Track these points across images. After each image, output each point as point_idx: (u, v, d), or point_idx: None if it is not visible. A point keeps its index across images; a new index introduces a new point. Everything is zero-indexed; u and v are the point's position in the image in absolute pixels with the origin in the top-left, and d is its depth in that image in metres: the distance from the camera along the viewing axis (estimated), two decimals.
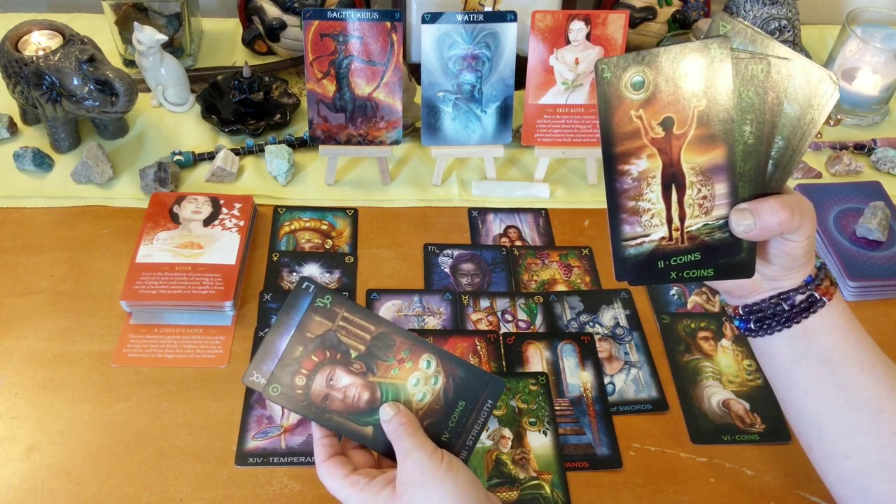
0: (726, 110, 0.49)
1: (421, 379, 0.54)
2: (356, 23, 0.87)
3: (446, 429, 0.54)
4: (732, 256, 0.54)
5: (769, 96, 0.50)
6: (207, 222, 0.88)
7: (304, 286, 0.53)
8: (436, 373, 0.54)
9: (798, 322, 0.56)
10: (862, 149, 1.05)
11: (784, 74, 0.50)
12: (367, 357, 0.54)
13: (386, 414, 0.53)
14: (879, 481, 0.54)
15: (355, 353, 0.53)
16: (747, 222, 0.52)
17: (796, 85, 0.51)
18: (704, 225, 0.52)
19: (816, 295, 0.56)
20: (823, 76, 0.51)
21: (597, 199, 0.97)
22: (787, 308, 0.56)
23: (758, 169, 0.52)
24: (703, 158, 0.50)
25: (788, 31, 1.12)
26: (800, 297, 0.56)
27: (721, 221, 0.53)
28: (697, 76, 0.49)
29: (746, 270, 0.55)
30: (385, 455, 0.55)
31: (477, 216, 0.95)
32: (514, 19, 0.89)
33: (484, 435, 0.72)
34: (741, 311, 0.59)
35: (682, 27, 1.13)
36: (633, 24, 1.13)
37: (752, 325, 0.58)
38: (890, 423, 0.54)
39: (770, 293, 0.57)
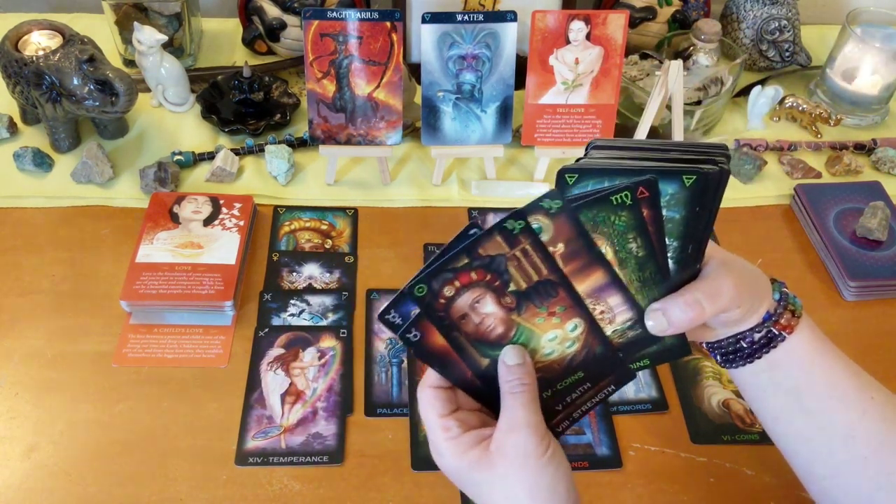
0: (586, 243, 0.49)
1: (559, 337, 0.52)
2: (356, 23, 0.87)
3: (551, 388, 0.53)
4: (659, 343, 0.54)
5: (644, 213, 0.49)
6: (207, 222, 0.88)
7: (470, 227, 0.50)
8: (576, 338, 0.52)
9: (760, 357, 0.55)
10: (862, 149, 1.05)
11: (651, 191, 0.49)
12: (522, 295, 0.50)
13: (511, 358, 0.50)
14: (858, 500, 0.54)
15: (513, 288, 0.50)
16: (661, 325, 0.52)
17: (670, 192, 0.50)
18: (614, 331, 0.53)
19: (775, 331, 0.55)
20: (700, 168, 0.49)
21: None
22: (745, 346, 0.55)
23: (658, 270, 0.51)
24: (584, 286, 0.51)
25: (788, 31, 1.12)
26: (758, 335, 0.55)
27: (628, 323, 0.53)
28: (544, 231, 0.49)
29: (681, 351, 0.55)
30: (484, 391, 0.53)
31: (477, 216, 0.95)
32: (514, 19, 0.89)
33: None
34: (706, 346, 0.59)
35: (682, 27, 1.13)
36: (633, 23, 1.13)
37: (719, 358, 0.58)
38: (863, 447, 0.53)
39: (727, 333, 0.56)
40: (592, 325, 0.52)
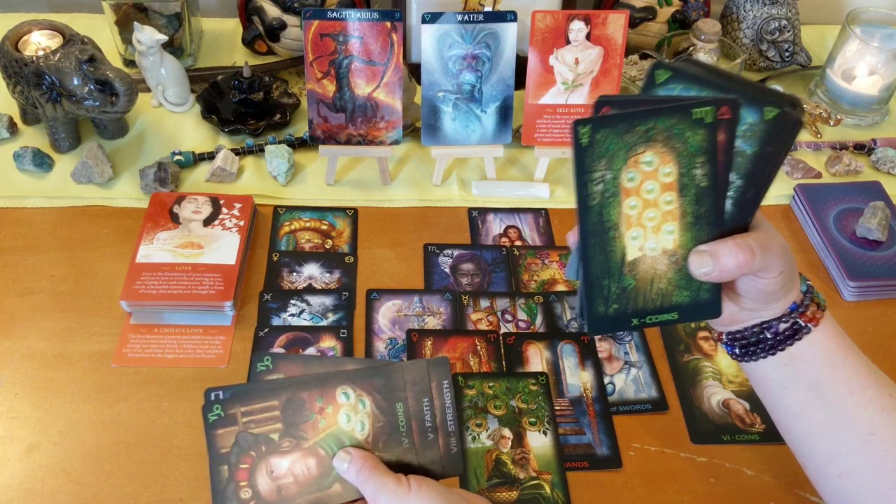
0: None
1: (349, 412, 0.52)
2: (356, 23, 0.87)
3: (401, 436, 0.52)
4: (691, 296, 0.53)
5: (719, 137, 0.49)
6: (207, 222, 0.88)
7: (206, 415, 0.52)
8: (358, 398, 0.52)
9: (783, 349, 0.55)
10: (862, 149, 1.05)
11: (733, 113, 0.49)
12: (289, 430, 0.51)
13: (341, 466, 0.51)
14: (872, 499, 0.54)
15: (277, 434, 0.51)
16: (706, 266, 0.51)
17: (749, 122, 0.49)
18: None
19: (801, 322, 0.54)
20: (783, 105, 0.49)
21: None
22: (770, 336, 0.55)
23: (715, 210, 0.51)
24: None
25: (788, 31, 1.12)
26: (783, 326, 0.54)
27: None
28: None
29: (712, 311, 0.54)
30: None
31: (477, 216, 0.95)
32: (514, 19, 0.89)
33: (484, 434, 0.73)
34: (725, 338, 0.58)
35: (682, 27, 1.13)
36: (633, 24, 1.13)
37: (738, 351, 0.57)
38: (881, 444, 0.53)
39: (752, 322, 0.56)
40: (352, 378, 0.52)
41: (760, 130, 0.50)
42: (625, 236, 0.51)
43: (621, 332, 0.82)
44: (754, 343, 0.56)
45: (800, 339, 0.55)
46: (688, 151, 0.49)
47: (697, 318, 0.55)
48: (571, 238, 0.54)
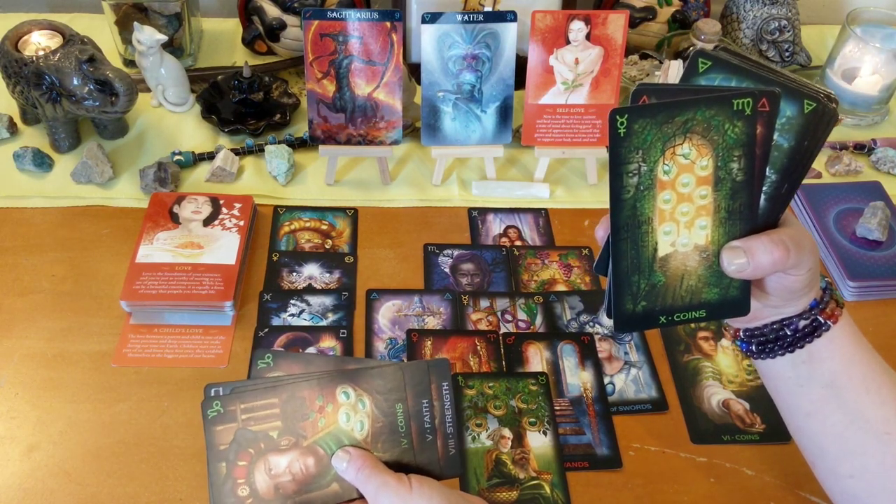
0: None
1: (349, 412, 0.51)
2: (356, 23, 0.87)
3: (400, 437, 0.52)
4: (720, 293, 0.52)
5: (757, 130, 0.48)
6: (207, 222, 0.88)
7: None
8: (358, 398, 0.52)
9: (801, 347, 0.54)
10: (862, 149, 1.05)
11: (772, 106, 0.48)
12: (288, 428, 0.51)
13: (340, 465, 0.51)
14: (884, 500, 0.54)
15: (276, 432, 0.51)
16: (740, 261, 0.50)
17: (787, 115, 0.49)
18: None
19: (820, 319, 0.54)
20: (820, 98, 0.49)
21: (597, 199, 0.97)
22: (789, 333, 0.55)
23: (749, 205, 0.50)
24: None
25: (788, 31, 1.12)
26: (803, 323, 0.54)
27: None
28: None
29: (741, 308, 0.53)
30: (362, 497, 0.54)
31: (477, 216, 0.95)
32: (514, 19, 0.89)
33: (484, 434, 0.73)
34: (742, 335, 0.58)
35: (682, 27, 1.13)
36: (633, 24, 1.13)
37: (754, 348, 0.57)
38: (895, 444, 0.53)
39: (771, 319, 0.55)
40: (353, 377, 0.52)
41: (798, 124, 0.49)
42: (657, 231, 0.50)
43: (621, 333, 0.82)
44: (773, 340, 0.55)
45: (818, 336, 0.54)
46: (726, 144, 0.48)
47: (725, 316, 0.54)
48: (600, 231, 0.53)
